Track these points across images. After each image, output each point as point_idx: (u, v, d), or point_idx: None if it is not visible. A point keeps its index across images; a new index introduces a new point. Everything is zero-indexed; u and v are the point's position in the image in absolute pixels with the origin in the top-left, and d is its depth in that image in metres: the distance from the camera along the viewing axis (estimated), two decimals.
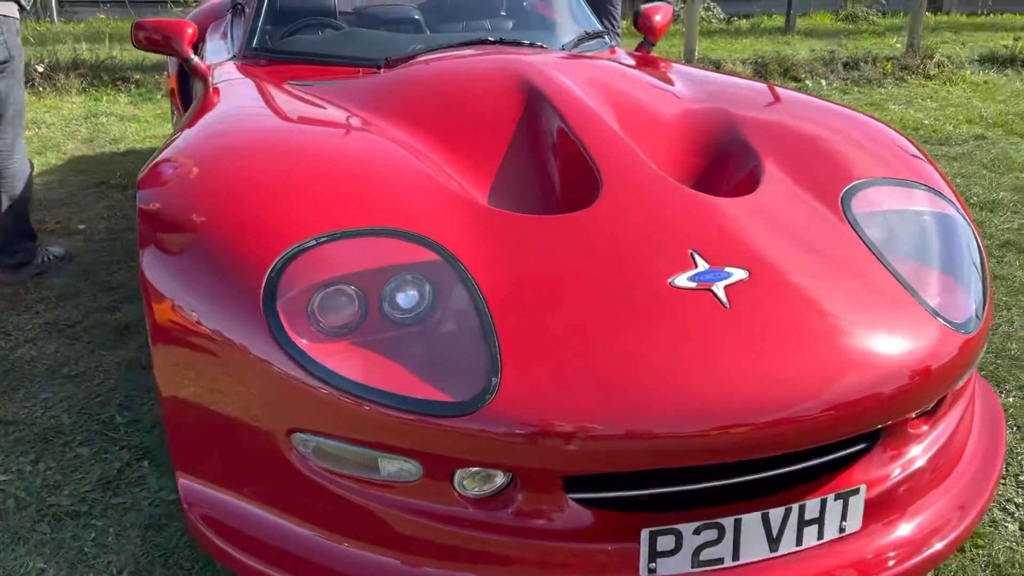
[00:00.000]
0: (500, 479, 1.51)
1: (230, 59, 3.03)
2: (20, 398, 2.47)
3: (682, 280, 1.57)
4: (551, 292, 1.58)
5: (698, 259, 1.62)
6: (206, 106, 2.37)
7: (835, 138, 2.14)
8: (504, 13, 3.53)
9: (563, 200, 1.91)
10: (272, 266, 1.58)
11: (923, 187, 2.00)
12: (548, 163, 2.01)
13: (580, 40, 3.13)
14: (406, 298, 1.56)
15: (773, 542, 1.53)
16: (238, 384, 1.59)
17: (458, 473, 1.49)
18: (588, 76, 2.29)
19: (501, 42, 2.93)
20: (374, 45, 2.98)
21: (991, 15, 10.94)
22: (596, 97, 2.16)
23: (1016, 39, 8.13)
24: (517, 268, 1.62)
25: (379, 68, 2.72)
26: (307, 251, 1.60)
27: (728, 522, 1.49)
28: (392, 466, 1.51)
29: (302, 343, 1.51)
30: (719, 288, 1.56)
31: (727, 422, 1.41)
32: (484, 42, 2.90)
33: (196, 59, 2.94)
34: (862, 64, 7.44)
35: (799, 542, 1.55)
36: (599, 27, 3.34)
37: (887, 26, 10.15)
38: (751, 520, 1.50)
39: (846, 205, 1.87)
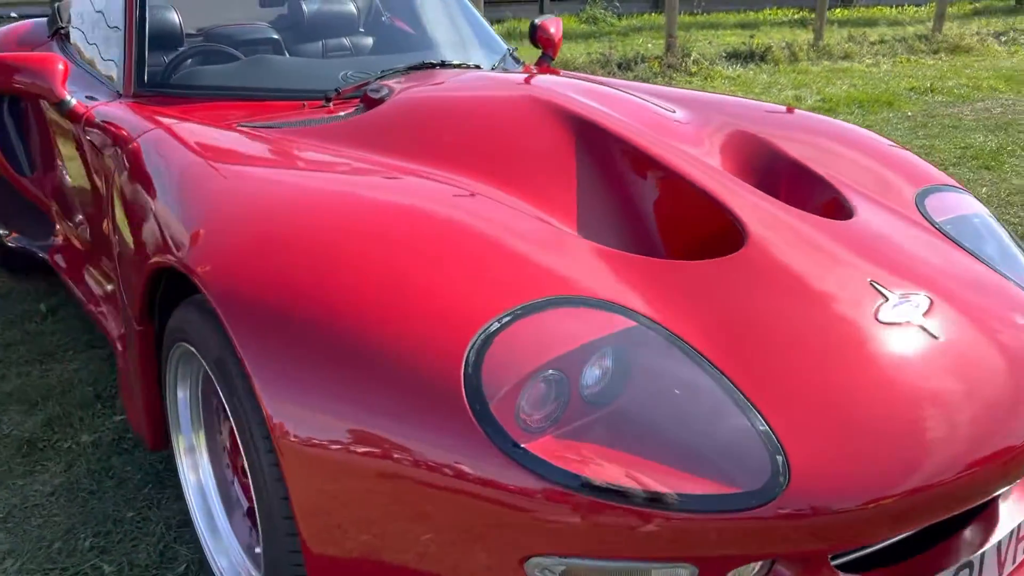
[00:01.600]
0: (760, 564, 1.35)
1: (113, 99, 2.50)
2: None
3: (887, 314, 1.50)
4: (767, 344, 1.43)
5: (882, 290, 1.55)
6: (140, 164, 1.94)
7: (863, 151, 2.18)
8: (363, 29, 3.28)
9: (678, 244, 1.76)
10: (464, 360, 1.29)
11: (959, 190, 2.09)
12: (641, 204, 1.84)
13: (503, 59, 2.99)
14: (612, 374, 1.34)
15: (1000, 566, 1.51)
16: (439, 513, 1.27)
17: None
18: (625, 108, 2.14)
19: (443, 65, 2.69)
20: (296, 74, 2.63)
21: (705, 14, 12.06)
22: (651, 128, 2.03)
23: (751, 36, 9.02)
24: (714, 321, 1.46)
25: (329, 100, 2.39)
26: (495, 335, 1.32)
27: (976, 558, 1.45)
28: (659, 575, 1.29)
29: (532, 448, 1.24)
30: (919, 318, 1.51)
31: (999, 453, 1.36)
32: (426, 66, 2.64)
33: (75, 101, 2.40)
34: (634, 64, 7.86)
35: (1014, 560, 1.54)
36: (504, 44, 3.20)
37: (625, 27, 10.84)
38: (990, 551, 1.47)
39: (928, 218, 1.91)
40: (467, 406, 1.25)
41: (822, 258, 1.61)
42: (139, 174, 1.97)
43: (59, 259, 2.92)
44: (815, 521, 1.25)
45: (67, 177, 2.71)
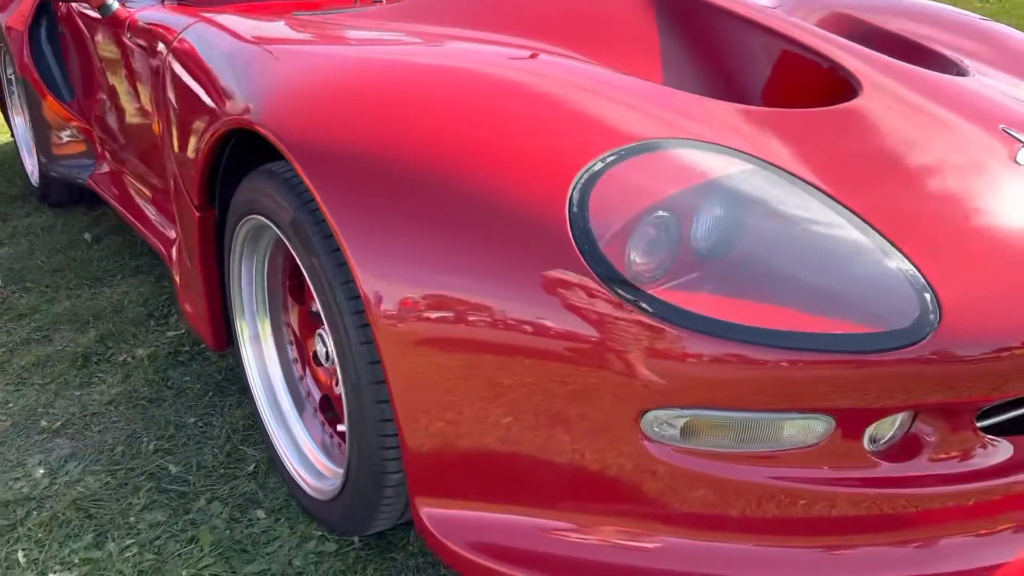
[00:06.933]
0: (900, 420, 1.23)
1: (151, 4, 2.39)
2: None
3: None
4: (898, 185, 1.30)
5: (1015, 135, 1.41)
6: (192, 54, 1.83)
7: (969, 30, 2.03)
8: None
9: (780, 103, 1.62)
10: (568, 200, 1.17)
11: None
12: (736, 66, 1.71)
13: None
14: (727, 221, 1.20)
15: None
16: (547, 370, 1.16)
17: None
18: None
19: None
20: None
21: None
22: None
23: None
24: (837, 165, 1.32)
25: None
26: (601, 174, 1.20)
27: None
28: (793, 428, 1.17)
29: (654, 292, 1.12)
30: None
31: None
32: None
33: (117, 4, 2.30)
34: None
35: None
36: None
37: None
38: None
39: None
40: (575, 247, 1.13)
41: (948, 104, 1.47)
42: (192, 61, 1.85)
43: (102, 182, 2.84)
44: (969, 366, 1.12)
45: (109, 93, 2.60)
